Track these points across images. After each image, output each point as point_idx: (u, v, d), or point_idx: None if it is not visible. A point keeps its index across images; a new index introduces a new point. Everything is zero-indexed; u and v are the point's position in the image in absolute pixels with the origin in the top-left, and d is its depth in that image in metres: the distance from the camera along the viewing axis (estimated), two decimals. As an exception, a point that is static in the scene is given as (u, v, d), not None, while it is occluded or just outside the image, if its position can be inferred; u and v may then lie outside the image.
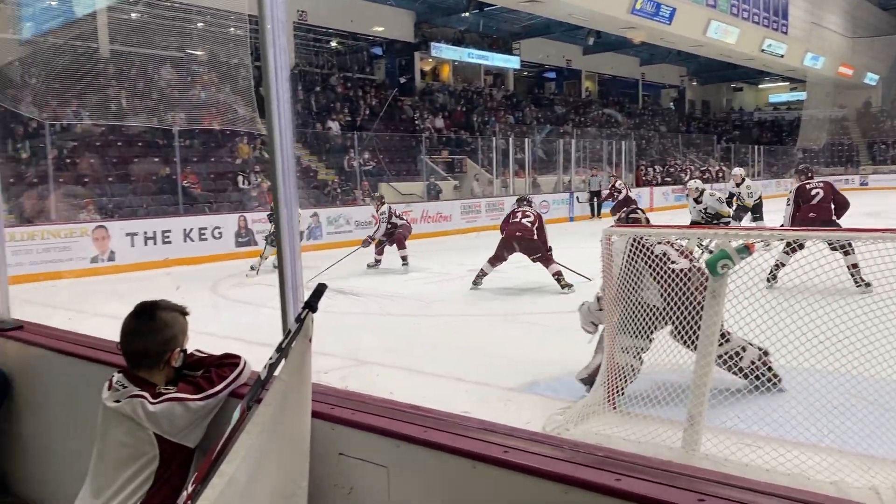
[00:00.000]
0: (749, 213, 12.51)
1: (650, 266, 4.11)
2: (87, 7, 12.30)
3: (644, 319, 4.06)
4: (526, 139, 23.24)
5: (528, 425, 3.45)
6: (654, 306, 4.08)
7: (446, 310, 7.65)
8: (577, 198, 14.17)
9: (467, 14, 24.71)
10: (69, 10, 12.29)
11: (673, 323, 4.00)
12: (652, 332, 4.13)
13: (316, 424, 1.81)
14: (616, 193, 18.85)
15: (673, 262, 4.14)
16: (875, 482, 3.05)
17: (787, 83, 42.01)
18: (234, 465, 1.68)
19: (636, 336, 4.12)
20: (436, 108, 25.20)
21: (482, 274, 8.79)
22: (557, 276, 8.47)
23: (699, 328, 3.36)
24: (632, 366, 4.19)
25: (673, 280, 3.95)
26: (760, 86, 45.23)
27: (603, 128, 29.73)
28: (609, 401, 4.12)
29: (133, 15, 12.83)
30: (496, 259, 8.87)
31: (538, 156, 24.00)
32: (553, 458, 1.46)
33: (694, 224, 10.31)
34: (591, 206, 21.16)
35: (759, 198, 12.60)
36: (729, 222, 10.50)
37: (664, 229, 4.68)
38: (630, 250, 4.16)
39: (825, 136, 37.50)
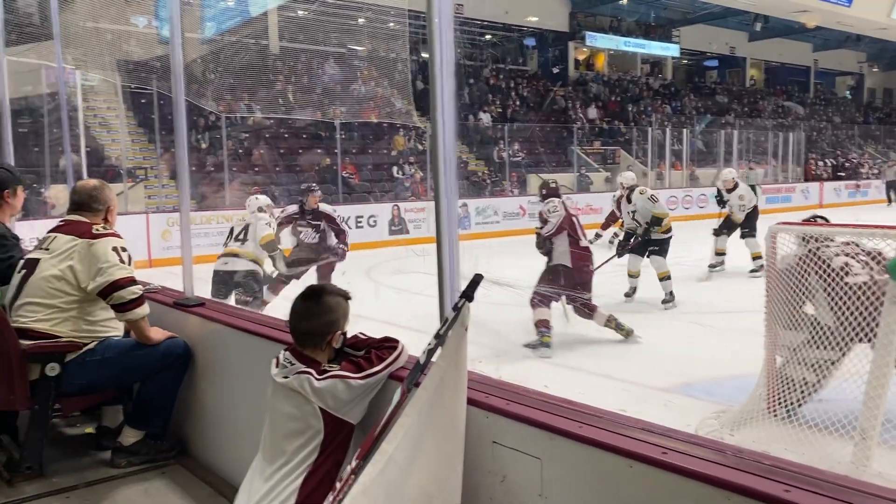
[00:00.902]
0: (737, 228, 9.76)
1: (824, 281, 3.72)
2: (261, 7, 13.14)
3: (821, 336, 3.71)
4: (684, 130, 22.35)
5: (685, 428, 3.36)
6: (827, 325, 3.72)
7: (600, 305, 7.46)
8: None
9: (625, 2, 24.04)
10: (245, 10, 13.18)
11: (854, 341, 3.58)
12: (839, 348, 3.63)
13: (471, 411, 1.85)
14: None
15: (850, 276, 3.67)
16: None
17: None
18: (393, 444, 1.75)
19: (821, 348, 3.72)
20: (589, 98, 24.78)
21: (547, 329, 5.86)
22: (614, 324, 6.07)
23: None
24: (806, 380, 3.79)
25: (847, 297, 3.55)
26: (955, 71, 40.70)
27: (769, 118, 27.98)
28: (770, 408, 3.90)
29: (300, 13, 13.56)
30: (550, 298, 6.04)
31: (697, 147, 23.02)
32: (715, 462, 1.41)
33: (629, 232, 8.13)
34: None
35: (755, 208, 9.92)
36: (669, 229, 7.91)
37: (843, 228, 4.23)
38: (801, 261, 3.80)
39: None
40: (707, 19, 26.86)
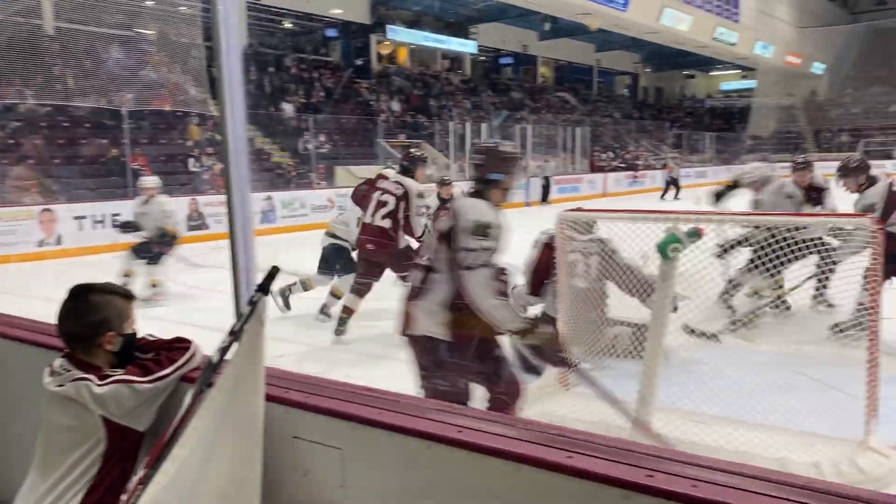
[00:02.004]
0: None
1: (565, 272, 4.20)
2: (30, -19, 11.90)
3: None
4: (483, 124, 23.27)
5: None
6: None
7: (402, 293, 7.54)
8: None
9: (425, -3, 24.59)
10: (11, -15, 11.87)
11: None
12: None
13: (270, 408, 1.80)
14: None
15: (574, 278, 4.24)
16: (817, 458, 3.16)
17: (738, 71, 42.77)
18: (186, 449, 1.66)
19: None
20: (392, 91, 25.05)
21: (346, 315, 5.74)
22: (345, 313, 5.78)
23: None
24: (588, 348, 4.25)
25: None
26: (712, 73, 45.98)
27: (559, 114, 29.93)
28: (562, 382, 4.19)
29: (79, -10, 12.45)
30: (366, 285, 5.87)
31: (495, 141, 24.06)
32: (505, 436, 1.48)
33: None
34: (543, 191, 21.31)
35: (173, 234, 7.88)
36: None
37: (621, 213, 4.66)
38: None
39: (774, 123, 38.40)
40: (501, 18, 28.12)
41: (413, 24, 26.69)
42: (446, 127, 22.31)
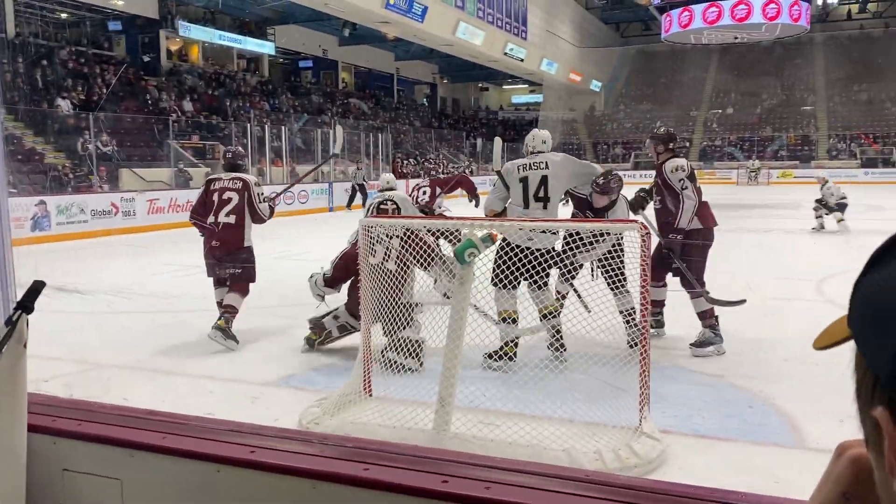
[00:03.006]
0: None
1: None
2: None
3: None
4: (283, 127, 22.78)
5: (276, 422, 3.39)
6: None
7: (189, 305, 6.78)
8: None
9: (215, -8, 23.64)
10: None
11: None
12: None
13: (34, 439, 1.60)
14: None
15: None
16: (599, 446, 3.41)
17: (527, 85, 45.62)
18: (-76, 495, 1.43)
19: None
20: (184, 90, 23.77)
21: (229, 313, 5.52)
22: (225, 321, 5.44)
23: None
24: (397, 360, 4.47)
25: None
26: (504, 87, 48.65)
27: (359, 119, 30.08)
28: (366, 388, 4.18)
29: None
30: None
31: (296, 145, 23.65)
32: (302, 453, 1.43)
33: None
34: (351, 197, 21.14)
35: None
36: None
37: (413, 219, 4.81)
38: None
39: (558, 135, 41.36)
40: (299, 20, 27.74)
41: (206, 21, 25.55)
42: (243, 128, 21.58)
